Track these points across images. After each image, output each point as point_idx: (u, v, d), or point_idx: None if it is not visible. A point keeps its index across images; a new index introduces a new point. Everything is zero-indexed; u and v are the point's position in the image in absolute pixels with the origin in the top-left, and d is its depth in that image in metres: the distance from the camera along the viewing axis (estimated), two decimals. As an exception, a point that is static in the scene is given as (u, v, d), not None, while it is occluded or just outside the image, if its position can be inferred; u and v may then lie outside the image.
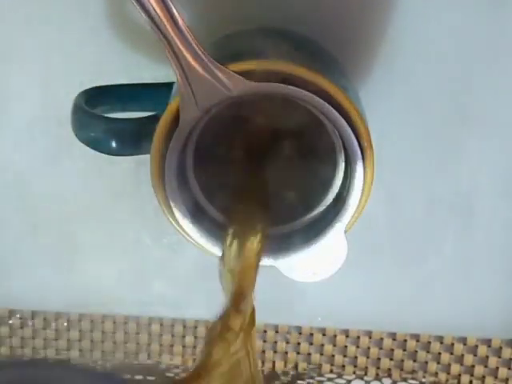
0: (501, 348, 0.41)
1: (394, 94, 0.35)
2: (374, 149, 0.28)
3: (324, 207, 0.31)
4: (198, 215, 0.30)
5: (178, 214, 0.29)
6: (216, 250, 0.29)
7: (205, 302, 0.40)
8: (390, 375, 0.42)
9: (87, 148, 0.30)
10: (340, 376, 0.42)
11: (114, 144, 0.30)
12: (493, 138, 0.36)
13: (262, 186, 0.32)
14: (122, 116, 0.31)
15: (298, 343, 0.42)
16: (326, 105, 0.27)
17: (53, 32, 0.35)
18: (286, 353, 0.42)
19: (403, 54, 0.35)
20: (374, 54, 0.35)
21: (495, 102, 0.36)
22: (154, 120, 0.29)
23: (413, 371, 0.42)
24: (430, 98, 0.36)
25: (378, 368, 0.42)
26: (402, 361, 0.42)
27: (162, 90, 0.31)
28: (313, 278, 0.29)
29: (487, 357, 0.41)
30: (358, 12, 0.34)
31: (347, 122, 0.27)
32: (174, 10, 0.25)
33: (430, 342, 0.41)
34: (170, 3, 0.25)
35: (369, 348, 0.42)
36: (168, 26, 0.25)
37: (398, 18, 0.34)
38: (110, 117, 0.30)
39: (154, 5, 0.25)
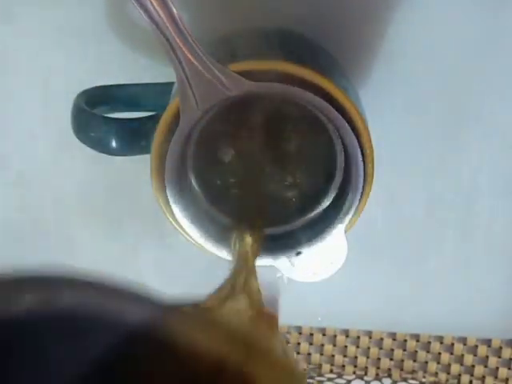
0: (501, 348, 0.41)
1: (393, 94, 0.35)
2: (373, 149, 0.28)
3: (324, 207, 0.31)
4: (198, 215, 0.30)
5: (178, 214, 0.29)
6: (216, 250, 0.29)
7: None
8: (390, 375, 0.42)
9: (87, 148, 0.30)
10: (340, 376, 0.42)
11: (114, 144, 0.30)
12: (493, 137, 0.36)
13: (261, 186, 0.32)
14: (122, 116, 0.31)
15: (298, 343, 0.42)
16: (326, 104, 0.27)
17: (53, 32, 0.35)
18: (286, 353, 0.42)
19: (403, 54, 0.35)
20: (374, 54, 0.35)
21: (495, 102, 0.36)
22: (154, 120, 0.29)
23: (413, 371, 0.42)
24: (430, 98, 0.36)
25: (378, 368, 0.42)
26: (402, 361, 0.42)
27: (161, 90, 0.31)
28: (313, 278, 0.29)
29: (487, 357, 0.41)
30: (358, 12, 0.34)
31: (347, 121, 0.27)
32: (174, 10, 0.25)
33: (429, 342, 0.41)
34: (170, 3, 0.25)
35: (369, 348, 0.41)
36: (168, 26, 0.25)
37: (398, 18, 0.34)
38: (110, 117, 0.30)
39: (155, 5, 0.25)
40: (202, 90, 0.26)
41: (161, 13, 0.25)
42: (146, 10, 0.25)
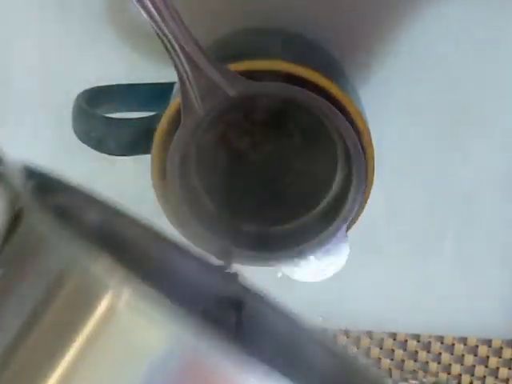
0: (501, 348, 0.41)
1: (393, 93, 0.35)
2: (373, 149, 0.28)
3: (325, 207, 0.31)
4: (200, 215, 0.30)
5: (179, 215, 0.29)
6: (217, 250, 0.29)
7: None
8: (390, 375, 0.42)
9: (88, 148, 0.30)
10: (340, 376, 0.42)
11: (114, 144, 0.30)
12: (493, 137, 0.36)
13: (263, 185, 0.32)
14: (122, 116, 0.31)
15: (299, 343, 0.42)
16: (327, 104, 0.27)
17: (53, 32, 0.35)
18: (287, 353, 0.42)
19: (403, 54, 0.35)
20: (374, 54, 0.35)
21: (495, 102, 0.36)
22: (154, 120, 0.29)
23: (413, 371, 0.42)
24: (430, 98, 0.36)
25: (379, 368, 0.42)
26: (403, 361, 0.42)
27: (162, 90, 0.31)
28: (315, 278, 0.29)
29: (488, 357, 0.41)
30: (357, 12, 0.34)
31: (347, 121, 0.27)
32: (176, 11, 0.25)
33: (430, 342, 0.41)
34: (172, 4, 0.25)
35: (369, 348, 0.41)
36: (170, 26, 0.25)
37: (398, 18, 0.34)
38: (110, 117, 0.30)
39: (156, 6, 0.25)
40: (203, 90, 0.26)
41: (162, 13, 0.25)
42: (148, 10, 0.25)
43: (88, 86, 0.32)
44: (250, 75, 0.27)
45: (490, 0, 0.34)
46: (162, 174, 0.28)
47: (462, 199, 0.37)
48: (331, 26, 0.34)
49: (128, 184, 0.38)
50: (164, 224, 0.30)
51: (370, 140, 0.28)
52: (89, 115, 0.30)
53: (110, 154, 0.30)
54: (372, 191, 0.29)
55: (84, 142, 0.30)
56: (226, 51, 0.30)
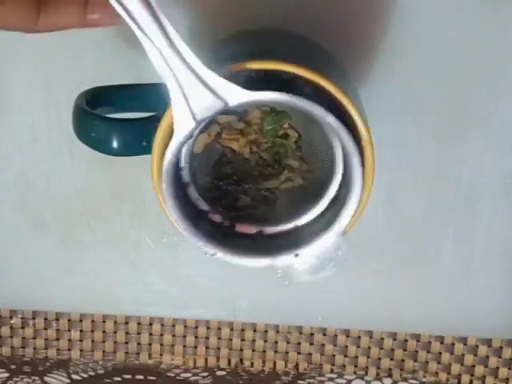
0: (501, 348, 0.41)
1: (393, 94, 0.35)
2: (373, 149, 0.28)
3: (324, 207, 0.31)
4: (199, 214, 0.30)
5: (178, 214, 0.29)
6: (215, 248, 0.29)
7: (205, 301, 0.41)
8: (390, 375, 0.42)
9: (88, 148, 0.30)
10: (341, 376, 0.42)
11: (114, 144, 0.30)
12: (492, 137, 0.36)
13: (261, 186, 0.32)
14: (123, 116, 0.31)
15: (299, 343, 0.42)
16: (325, 112, 0.27)
17: (53, 32, 0.35)
18: (287, 353, 0.42)
19: (403, 54, 0.35)
20: (374, 54, 0.35)
21: (495, 102, 0.36)
22: (154, 120, 0.29)
23: (413, 371, 0.42)
24: (430, 98, 0.36)
25: (379, 368, 0.42)
26: (403, 361, 0.42)
27: (162, 90, 0.31)
28: (314, 278, 0.29)
29: (487, 357, 0.41)
30: (358, 12, 0.34)
31: (347, 121, 0.27)
32: (167, 23, 0.25)
33: (430, 342, 0.41)
34: (162, 16, 0.25)
35: (369, 348, 0.42)
36: (161, 40, 0.25)
37: (398, 18, 0.34)
38: (110, 117, 0.30)
39: (145, 19, 0.25)
40: (198, 102, 0.26)
41: (152, 27, 0.25)
42: (139, 26, 0.25)
43: (88, 87, 0.32)
44: (250, 75, 0.27)
45: (490, 2, 0.34)
46: (161, 174, 0.28)
47: (462, 199, 0.38)
48: (331, 26, 0.34)
49: (128, 184, 0.38)
50: (164, 223, 0.30)
51: (371, 140, 0.28)
52: (89, 116, 0.30)
53: (110, 154, 0.30)
54: (372, 191, 0.29)
55: (84, 143, 0.30)
56: (227, 51, 0.30)
